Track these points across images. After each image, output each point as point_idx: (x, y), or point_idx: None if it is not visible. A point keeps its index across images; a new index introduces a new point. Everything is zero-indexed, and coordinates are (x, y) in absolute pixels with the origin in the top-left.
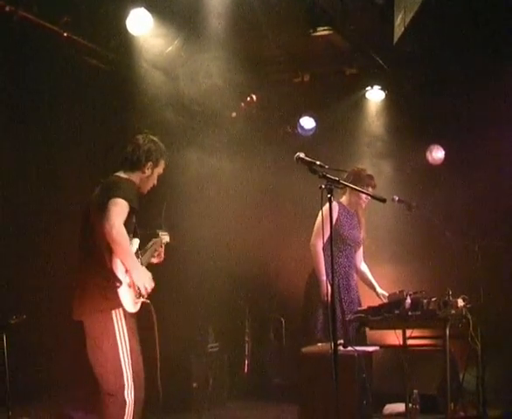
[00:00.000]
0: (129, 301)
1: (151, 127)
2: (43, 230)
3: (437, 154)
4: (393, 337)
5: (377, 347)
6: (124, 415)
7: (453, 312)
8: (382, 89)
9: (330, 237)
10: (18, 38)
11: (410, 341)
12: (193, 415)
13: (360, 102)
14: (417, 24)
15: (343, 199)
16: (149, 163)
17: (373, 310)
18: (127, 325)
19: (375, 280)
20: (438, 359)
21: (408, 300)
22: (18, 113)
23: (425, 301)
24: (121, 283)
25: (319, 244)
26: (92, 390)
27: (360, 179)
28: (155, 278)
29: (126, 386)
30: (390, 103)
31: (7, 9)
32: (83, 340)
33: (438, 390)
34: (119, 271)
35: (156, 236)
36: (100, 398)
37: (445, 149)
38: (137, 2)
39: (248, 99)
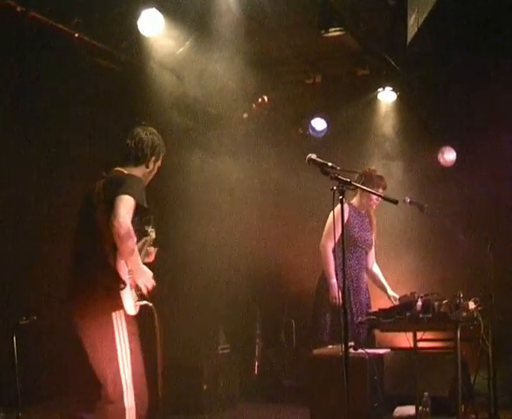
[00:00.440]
0: (131, 303)
1: (161, 128)
2: (55, 231)
3: (449, 155)
4: (404, 339)
5: (388, 350)
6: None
7: (464, 314)
8: (393, 90)
9: (342, 239)
10: (29, 39)
11: (421, 344)
12: (204, 417)
13: (372, 103)
14: (430, 24)
15: (354, 200)
16: (153, 158)
17: (384, 312)
18: (127, 328)
19: (386, 282)
20: (449, 361)
21: (419, 303)
22: (29, 114)
23: (436, 303)
24: (125, 284)
25: (329, 246)
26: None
27: (371, 180)
28: (160, 279)
29: (125, 392)
30: (402, 104)
31: (18, 9)
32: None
33: (449, 393)
34: (123, 272)
35: (146, 234)
36: (100, 404)
37: (456, 150)
38: (149, 2)
39: (260, 100)
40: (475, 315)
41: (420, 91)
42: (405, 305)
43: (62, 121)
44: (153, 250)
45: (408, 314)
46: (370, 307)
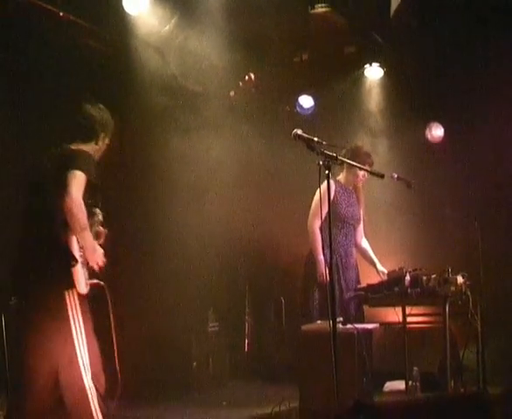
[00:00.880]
0: (83, 281)
1: (146, 106)
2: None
3: (436, 131)
4: (393, 314)
5: (376, 325)
6: (89, 402)
7: (452, 289)
8: (380, 67)
9: (329, 215)
10: (14, 18)
11: (410, 319)
12: (194, 395)
13: (359, 80)
14: None
15: (340, 176)
16: (103, 134)
17: (373, 287)
18: (81, 308)
19: (376, 257)
20: (438, 336)
21: (407, 277)
22: (13, 93)
23: (424, 278)
24: (76, 261)
25: (316, 224)
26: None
27: (357, 156)
28: (148, 258)
29: (83, 373)
30: (389, 80)
31: None
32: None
33: (438, 368)
34: (74, 248)
35: (94, 214)
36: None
37: (444, 126)
38: None
39: (246, 78)
40: (464, 290)
41: (407, 67)
42: (394, 279)
43: (46, 103)
44: (102, 230)
45: (396, 289)
46: (359, 283)
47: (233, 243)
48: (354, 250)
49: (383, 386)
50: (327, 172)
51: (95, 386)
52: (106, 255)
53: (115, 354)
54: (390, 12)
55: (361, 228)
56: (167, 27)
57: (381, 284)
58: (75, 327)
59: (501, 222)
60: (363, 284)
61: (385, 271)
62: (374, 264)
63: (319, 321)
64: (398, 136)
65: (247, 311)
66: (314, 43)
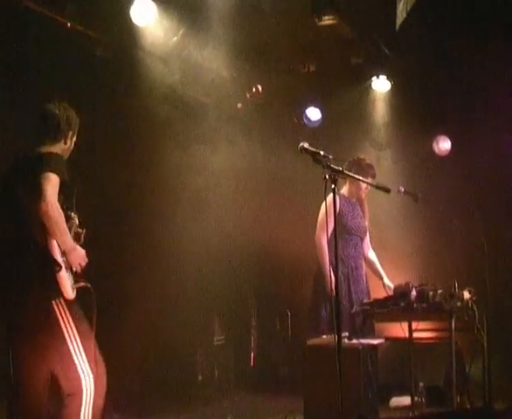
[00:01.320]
0: (69, 286)
1: (153, 117)
2: None
3: (443, 144)
4: (399, 329)
5: (382, 340)
6: (81, 404)
7: (458, 304)
8: (388, 79)
9: (334, 227)
10: (23, 28)
11: (416, 334)
12: (199, 408)
13: (366, 92)
14: (419, 9)
15: (344, 190)
16: (70, 133)
17: (379, 302)
18: (71, 314)
19: (383, 270)
20: (444, 351)
21: (414, 292)
22: (21, 105)
23: (430, 293)
24: (60, 267)
25: (323, 238)
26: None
27: (360, 168)
28: (153, 272)
29: (83, 379)
30: (396, 93)
31: None
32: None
33: (444, 382)
34: (56, 253)
35: (70, 218)
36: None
37: (451, 139)
38: None
39: (254, 89)
40: (470, 305)
41: (415, 79)
42: (400, 294)
43: None
44: (81, 232)
45: (402, 304)
46: (369, 295)
47: (239, 256)
48: (363, 263)
49: (389, 401)
50: (333, 186)
51: (96, 389)
52: (111, 270)
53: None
54: (396, 27)
55: (367, 239)
56: (174, 38)
57: (387, 299)
58: (69, 336)
59: (508, 236)
60: (374, 296)
61: (391, 286)
62: (381, 277)
63: (324, 336)
64: (405, 149)
65: (253, 324)
66: (321, 54)
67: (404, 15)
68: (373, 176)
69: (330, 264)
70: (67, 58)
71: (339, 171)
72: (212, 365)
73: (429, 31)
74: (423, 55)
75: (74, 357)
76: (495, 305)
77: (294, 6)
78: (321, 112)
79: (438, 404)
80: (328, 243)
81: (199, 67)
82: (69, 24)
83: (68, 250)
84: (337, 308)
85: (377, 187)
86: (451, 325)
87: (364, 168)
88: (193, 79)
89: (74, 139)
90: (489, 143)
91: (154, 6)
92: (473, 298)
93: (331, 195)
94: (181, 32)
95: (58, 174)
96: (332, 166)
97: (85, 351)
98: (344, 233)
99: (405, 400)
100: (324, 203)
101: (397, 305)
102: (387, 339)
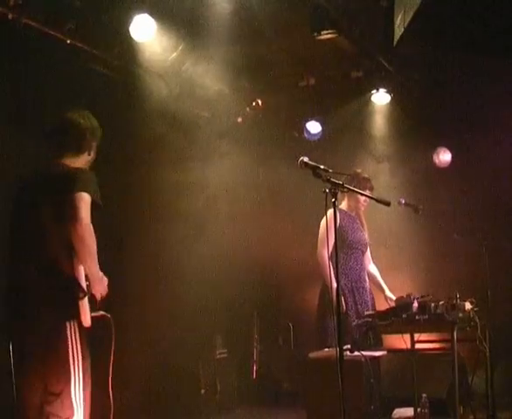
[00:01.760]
0: (88, 314)
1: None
2: None
3: (444, 156)
4: (401, 341)
5: (384, 352)
6: None
7: (460, 315)
8: (387, 92)
9: (335, 242)
10: (22, 46)
11: (418, 345)
12: None
13: (366, 105)
14: (416, 24)
15: (343, 204)
16: (94, 143)
17: (380, 314)
18: (81, 340)
19: (384, 283)
20: (446, 362)
21: (415, 304)
22: (21, 121)
23: (432, 305)
24: (85, 294)
25: (325, 253)
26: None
27: (357, 182)
28: (157, 286)
29: (75, 408)
30: (396, 106)
31: (10, 16)
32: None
33: (447, 394)
34: (82, 279)
35: None
36: None
37: (451, 151)
38: (140, 8)
39: (254, 104)
40: (472, 316)
41: (414, 92)
42: (402, 306)
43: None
44: None
45: (404, 316)
46: (374, 307)
47: (241, 270)
48: (366, 275)
49: (391, 413)
50: (333, 200)
51: None
52: (111, 283)
53: (109, 389)
54: (394, 41)
55: (368, 253)
56: (174, 54)
57: (389, 310)
58: (73, 361)
59: (508, 247)
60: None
61: (393, 298)
62: (382, 290)
63: (326, 349)
64: (406, 161)
65: (255, 337)
66: (320, 67)
67: (402, 29)
68: (371, 189)
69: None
70: (66, 74)
71: (339, 185)
72: (215, 379)
73: (427, 45)
74: (422, 68)
75: (72, 384)
76: (497, 316)
77: (293, 21)
78: (322, 125)
79: (441, 416)
80: (329, 258)
81: (198, 83)
82: (68, 41)
83: (94, 277)
84: (338, 321)
85: (377, 200)
86: (453, 336)
87: (361, 182)
88: (192, 95)
89: (96, 150)
90: (489, 155)
91: (153, 22)
92: (475, 309)
93: (331, 210)
94: (180, 48)
95: (91, 194)
96: (332, 180)
97: (83, 383)
98: (345, 247)
99: (408, 411)
100: (325, 219)
101: (399, 316)
102: (389, 350)
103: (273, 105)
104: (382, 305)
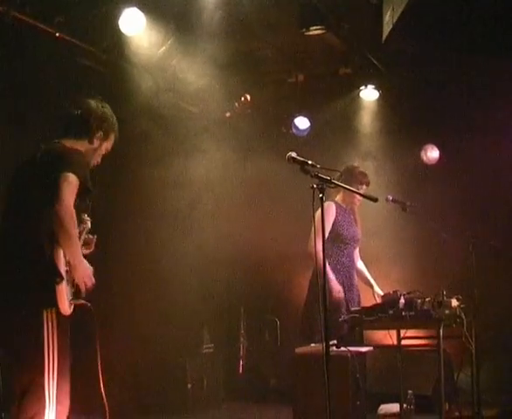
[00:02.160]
0: (66, 301)
1: (141, 127)
2: None
3: (432, 153)
4: (387, 337)
5: (370, 348)
6: None
7: (447, 312)
8: (376, 89)
9: (322, 238)
10: (11, 39)
11: (404, 341)
12: (188, 417)
13: (354, 102)
14: (405, 21)
15: (338, 198)
16: (100, 133)
17: (367, 310)
18: (58, 331)
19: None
20: (432, 359)
21: (402, 300)
22: (10, 113)
23: (419, 301)
24: (62, 278)
25: (320, 245)
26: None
27: (353, 177)
28: (143, 281)
29: (47, 407)
30: (385, 102)
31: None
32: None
33: (432, 390)
34: (61, 263)
35: (83, 221)
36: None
37: (439, 149)
38: (130, 1)
39: (242, 99)
40: (458, 313)
41: (403, 89)
42: (388, 302)
43: (42, 122)
44: (92, 238)
45: (391, 312)
46: (360, 304)
47: (228, 265)
48: (355, 272)
49: (377, 408)
50: (320, 195)
51: None
52: (97, 276)
53: (100, 381)
54: (383, 38)
55: (357, 249)
56: (162, 48)
57: (375, 307)
58: (48, 354)
59: (495, 245)
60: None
61: (381, 294)
62: (371, 285)
63: (313, 344)
64: (393, 158)
65: (242, 332)
66: (309, 64)
67: (391, 27)
68: (367, 184)
69: (333, 271)
70: (55, 68)
71: (327, 180)
72: (201, 374)
73: (415, 43)
74: (410, 65)
75: (45, 377)
76: (484, 313)
77: (282, 17)
78: (310, 121)
79: (426, 412)
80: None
81: (187, 78)
82: (57, 34)
83: (75, 263)
84: (325, 316)
85: (365, 196)
86: (439, 333)
87: (358, 176)
88: (180, 90)
89: (106, 145)
90: (477, 153)
91: (143, 16)
92: (462, 306)
93: (328, 202)
94: (169, 42)
95: (78, 175)
96: (320, 175)
97: (58, 376)
98: (339, 242)
99: (394, 407)
100: (319, 213)
101: (386, 313)
102: (376, 346)
103: (262, 100)
104: (370, 301)
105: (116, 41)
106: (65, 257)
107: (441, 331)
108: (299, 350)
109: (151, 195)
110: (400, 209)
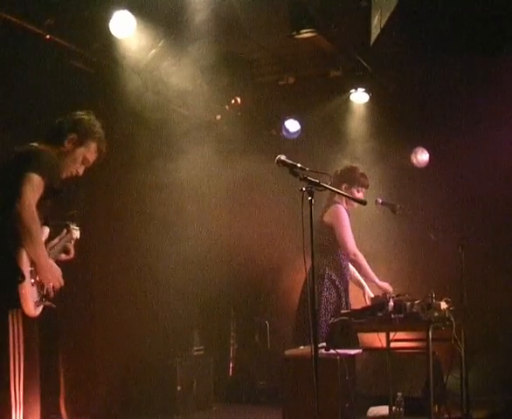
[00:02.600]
0: (31, 303)
1: (131, 130)
2: None
3: (421, 156)
4: (377, 340)
5: (359, 350)
6: None
7: (436, 314)
8: (366, 91)
9: (311, 239)
10: (0, 41)
11: (394, 344)
12: (178, 418)
13: (344, 105)
14: (392, 25)
15: (342, 201)
16: (72, 135)
17: (356, 313)
18: (24, 332)
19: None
20: (422, 361)
21: (391, 303)
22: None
23: (408, 304)
24: (23, 278)
25: (357, 249)
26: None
27: (354, 178)
28: (135, 283)
29: (13, 412)
30: (375, 105)
31: None
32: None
33: (422, 393)
34: (23, 263)
35: (67, 229)
36: None
37: (429, 151)
38: (120, 4)
39: (233, 101)
40: (447, 315)
41: (393, 92)
42: (377, 305)
43: (32, 124)
44: (71, 247)
45: (380, 315)
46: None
47: (218, 267)
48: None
49: (367, 411)
50: (309, 198)
51: None
52: (86, 279)
53: (61, 389)
54: (371, 41)
55: None
56: (153, 51)
57: (364, 309)
58: (14, 357)
59: (484, 247)
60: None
61: (372, 295)
62: (362, 287)
63: (302, 347)
64: (384, 161)
65: (232, 334)
66: (300, 66)
67: (379, 29)
68: (367, 187)
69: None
70: (45, 70)
71: (316, 183)
72: (191, 375)
73: (403, 46)
74: (400, 68)
75: (11, 380)
76: (472, 316)
77: (272, 20)
78: (300, 123)
79: (416, 414)
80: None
81: (177, 80)
82: (48, 36)
83: (39, 263)
84: (313, 319)
85: (354, 199)
86: (428, 335)
87: (358, 178)
88: (170, 92)
89: (82, 151)
90: (466, 155)
91: (133, 19)
92: (451, 309)
93: (339, 205)
94: (160, 45)
95: (42, 176)
96: (309, 178)
97: (25, 378)
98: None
99: (383, 410)
100: (342, 213)
101: (375, 315)
102: (365, 349)
103: (252, 103)
104: (361, 303)
105: (106, 43)
106: (29, 257)
107: (430, 333)
108: (288, 352)
109: (140, 197)
110: (390, 212)
